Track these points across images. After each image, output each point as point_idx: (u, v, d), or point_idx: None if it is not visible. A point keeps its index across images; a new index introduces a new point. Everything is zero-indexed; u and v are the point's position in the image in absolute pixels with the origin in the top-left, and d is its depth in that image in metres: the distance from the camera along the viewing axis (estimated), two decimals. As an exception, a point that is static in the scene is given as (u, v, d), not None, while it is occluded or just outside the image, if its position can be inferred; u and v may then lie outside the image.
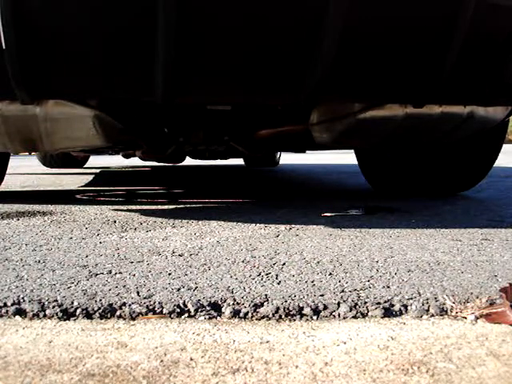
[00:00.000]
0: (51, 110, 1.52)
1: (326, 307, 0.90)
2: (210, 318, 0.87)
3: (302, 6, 1.24)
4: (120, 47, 1.27)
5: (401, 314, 0.89)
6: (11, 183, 3.38)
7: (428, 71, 1.41)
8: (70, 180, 3.89)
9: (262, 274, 1.10)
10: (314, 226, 1.69)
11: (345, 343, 0.76)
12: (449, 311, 0.89)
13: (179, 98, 1.40)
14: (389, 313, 0.89)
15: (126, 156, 3.89)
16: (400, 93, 1.49)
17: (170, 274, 1.10)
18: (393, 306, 0.91)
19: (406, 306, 0.91)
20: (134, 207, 2.20)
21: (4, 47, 1.20)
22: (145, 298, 0.93)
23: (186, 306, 0.90)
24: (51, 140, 1.66)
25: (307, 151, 3.32)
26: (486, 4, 1.33)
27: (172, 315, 0.88)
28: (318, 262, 1.20)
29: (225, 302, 0.92)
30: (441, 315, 0.88)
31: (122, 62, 1.29)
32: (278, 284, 1.02)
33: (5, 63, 1.24)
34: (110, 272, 1.11)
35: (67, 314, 0.87)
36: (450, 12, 1.31)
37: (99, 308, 0.89)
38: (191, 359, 0.71)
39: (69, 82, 1.33)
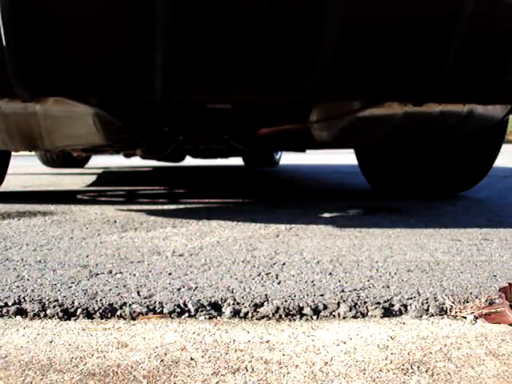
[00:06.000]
0: (51, 108, 1.52)
1: (325, 307, 0.90)
2: (210, 318, 0.87)
3: (302, 3, 1.24)
4: (119, 45, 1.27)
5: (400, 313, 0.90)
6: (12, 183, 3.38)
7: (427, 69, 1.41)
8: (71, 180, 3.89)
9: (262, 273, 1.11)
10: (314, 226, 1.69)
11: (345, 343, 0.77)
12: (448, 311, 0.90)
13: (178, 96, 1.40)
14: (388, 313, 0.89)
15: (127, 155, 3.89)
16: (399, 91, 1.49)
17: (170, 274, 1.10)
18: (392, 305, 0.91)
19: (405, 306, 0.91)
20: (134, 207, 2.20)
21: (4, 44, 1.20)
22: (145, 298, 0.93)
23: (186, 306, 0.90)
24: (51, 138, 1.67)
25: (308, 151, 3.32)
26: (485, 0, 1.33)
27: (172, 315, 0.88)
28: (318, 262, 1.21)
29: (225, 301, 0.92)
30: (440, 315, 0.89)
31: (121, 59, 1.29)
32: (278, 284, 1.03)
33: (5, 61, 1.24)
34: (111, 272, 1.12)
35: (68, 314, 0.88)
36: (449, 9, 1.31)
37: (100, 308, 0.89)
38: (191, 359, 0.71)
39: (69, 79, 1.33)
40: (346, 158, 6.69)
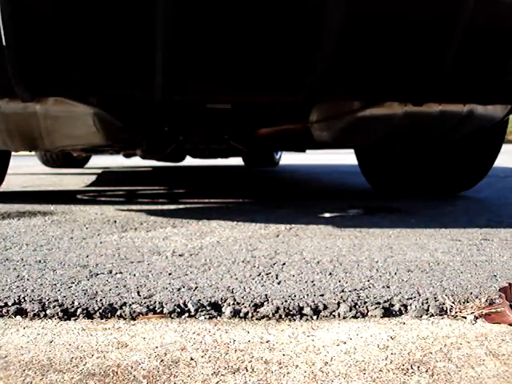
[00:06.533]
0: (51, 108, 1.52)
1: (325, 307, 0.90)
2: (210, 318, 0.87)
3: (302, 3, 1.24)
4: (119, 45, 1.27)
5: (400, 313, 0.90)
6: (12, 183, 3.38)
7: (427, 69, 1.41)
8: (71, 180, 3.89)
9: (262, 273, 1.11)
10: (314, 226, 1.69)
11: (345, 343, 0.77)
12: (448, 311, 0.90)
13: (178, 96, 1.40)
14: (388, 313, 0.89)
15: (127, 155, 3.89)
16: (399, 91, 1.49)
17: (170, 274, 1.10)
18: (392, 305, 0.91)
19: (405, 306, 0.91)
20: (134, 207, 2.20)
21: (4, 44, 1.20)
22: (145, 298, 0.93)
23: (186, 306, 0.90)
24: (51, 138, 1.67)
25: (308, 151, 3.32)
26: (485, 0, 1.33)
27: (172, 315, 0.88)
28: (318, 262, 1.21)
29: (225, 301, 0.92)
30: (440, 315, 0.89)
31: (121, 60, 1.29)
32: (278, 284, 1.03)
33: (5, 61, 1.24)
34: (111, 272, 1.11)
35: (68, 314, 0.88)
36: (449, 9, 1.31)
37: (100, 308, 0.89)
38: (191, 359, 0.71)
39: (69, 79, 1.33)
40: (346, 157, 6.69)
